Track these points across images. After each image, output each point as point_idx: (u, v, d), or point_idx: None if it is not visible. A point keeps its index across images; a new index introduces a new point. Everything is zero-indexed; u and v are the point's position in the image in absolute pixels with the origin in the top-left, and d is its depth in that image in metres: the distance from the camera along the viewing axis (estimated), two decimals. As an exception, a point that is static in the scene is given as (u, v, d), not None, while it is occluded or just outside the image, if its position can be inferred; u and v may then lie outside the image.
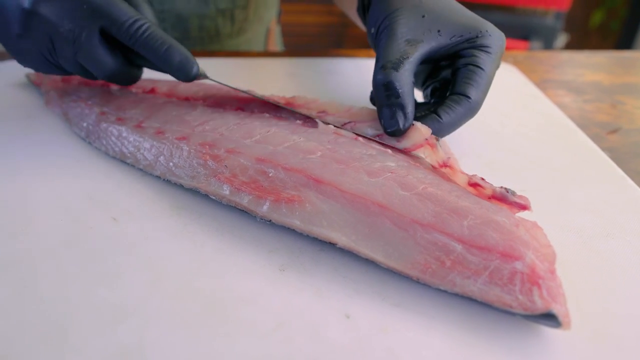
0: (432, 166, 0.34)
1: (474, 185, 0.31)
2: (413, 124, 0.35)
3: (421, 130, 0.34)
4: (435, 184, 0.30)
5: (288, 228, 0.31)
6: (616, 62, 0.69)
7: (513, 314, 0.25)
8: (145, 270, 0.29)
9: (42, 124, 0.45)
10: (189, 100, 0.43)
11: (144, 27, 0.38)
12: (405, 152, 0.35)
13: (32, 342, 0.25)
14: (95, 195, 0.35)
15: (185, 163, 0.34)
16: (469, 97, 0.35)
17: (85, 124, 0.41)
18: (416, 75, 0.39)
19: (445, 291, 0.27)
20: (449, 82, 0.38)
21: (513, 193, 0.30)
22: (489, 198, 0.31)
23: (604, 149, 0.44)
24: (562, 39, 1.92)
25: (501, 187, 0.30)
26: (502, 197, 0.30)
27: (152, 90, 0.46)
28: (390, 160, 0.32)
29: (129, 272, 0.29)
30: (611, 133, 0.49)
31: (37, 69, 0.41)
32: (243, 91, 0.41)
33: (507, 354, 0.24)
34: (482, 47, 0.37)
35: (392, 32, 0.36)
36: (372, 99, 0.39)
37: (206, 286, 0.28)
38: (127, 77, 0.41)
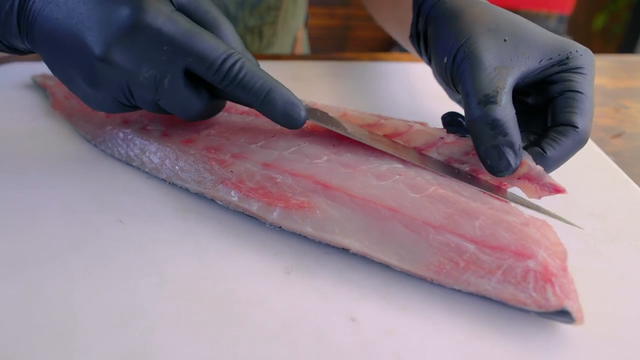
0: (443, 161, 0.33)
1: None
2: (414, 127, 0.35)
3: (428, 132, 0.34)
4: (445, 185, 0.30)
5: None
6: (620, 66, 0.69)
7: (527, 312, 0.26)
8: (151, 273, 0.29)
9: (47, 126, 0.45)
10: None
11: (237, 66, 0.32)
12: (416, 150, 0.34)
13: (39, 343, 0.25)
14: (101, 197, 0.35)
15: (192, 167, 0.34)
16: (576, 127, 0.32)
17: (90, 126, 0.42)
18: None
19: (449, 295, 0.28)
20: (538, 111, 0.35)
21: (548, 175, 0.31)
22: (520, 178, 0.31)
23: (608, 153, 0.44)
24: (564, 42, 1.92)
25: (539, 166, 0.31)
26: (538, 177, 0.30)
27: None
28: (397, 162, 0.32)
29: (135, 274, 0.29)
30: (615, 137, 0.49)
31: (110, 112, 0.36)
32: (341, 132, 0.35)
33: (513, 359, 0.25)
34: (576, 70, 0.33)
35: (477, 60, 0.32)
36: (448, 123, 0.37)
37: (212, 289, 0.28)
38: (213, 112, 0.36)
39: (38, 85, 0.51)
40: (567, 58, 0.34)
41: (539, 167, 0.30)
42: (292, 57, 0.69)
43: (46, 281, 0.28)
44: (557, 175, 0.39)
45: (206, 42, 0.31)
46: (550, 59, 0.33)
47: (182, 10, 0.33)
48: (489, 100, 0.31)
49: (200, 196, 0.35)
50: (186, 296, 0.28)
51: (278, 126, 0.37)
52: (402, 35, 0.50)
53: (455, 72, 0.34)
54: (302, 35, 0.84)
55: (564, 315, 0.25)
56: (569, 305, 0.24)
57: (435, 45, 0.36)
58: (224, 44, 0.32)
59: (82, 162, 0.40)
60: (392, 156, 0.33)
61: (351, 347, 0.25)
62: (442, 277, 0.27)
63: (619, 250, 0.32)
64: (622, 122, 0.52)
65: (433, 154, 0.34)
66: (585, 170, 0.40)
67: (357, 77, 0.59)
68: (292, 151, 0.33)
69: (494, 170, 0.31)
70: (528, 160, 0.31)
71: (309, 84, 0.57)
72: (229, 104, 0.39)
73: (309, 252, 0.31)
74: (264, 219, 0.31)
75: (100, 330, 0.26)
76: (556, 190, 0.30)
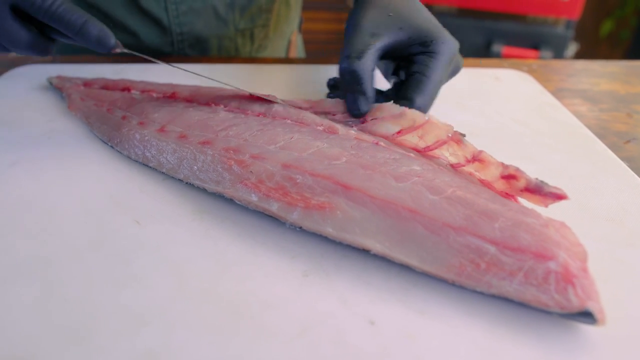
0: (452, 165, 0.34)
1: (507, 177, 0.32)
2: (430, 120, 0.36)
3: (440, 126, 0.35)
4: (463, 187, 0.30)
5: (310, 233, 0.32)
6: (631, 72, 0.69)
7: (550, 313, 0.26)
8: (170, 274, 0.29)
9: (64, 127, 0.45)
10: (210, 106, 0.43)
11: (57, 2, 0.38)
12: (426, 152, 0.35)
13: (59, 343, 0.25)
14: (118, 198, 0.36)
15: (210, 167, 0.34)
16: (414, 102, 0.39)
17: (107, 128, 0.42)
18: (385, 69, 0.46)
19: (467, 298, 0.28)
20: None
21: (546, 184, 0.30)
22: (521, 191, 0.31)
23: (622, 158, 0.43)
24: (572, 48, 1.92)
25: (536, 178, 0.31)
26: (537, 189, 0.30)
27: (173, 95, 0.46)
28: (415, 164, 0.32)
29: (154, 275, 0.29)
30: (628, 142, 0.49)
31: None
32: (224, 84, 0.44)
33: (534, 363, 0.25)
34: (432, 54, 0.41)
35: (358, 26, 0.41)
36: (332, 86, 0.46)
37: (230, 291, 0.28)
38: (42, 49, 0.42)
39: (54, 86, 0.52)
40: (431, 42, 0.41)
41: (536, 179, 0.31)
42: (287, 60, 0.68)
43: (65, 281, 0.29)
44: (572, 181, 0.39)
45: None
46: (417, 38, 0.41)
47: None
48: (355, 55, 0.38)
49: (216, 197, 0.35)
50: (205, 298, 0.28)
51: (295, 128, 0.37)
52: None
53: (345, 35, 0.42)
54: (296, 40, 0.84)
55: (586, 316, 0.25)
56: (591, 306, 0.24)
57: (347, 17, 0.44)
58: None
59: (98, 163, 0.40)
60: (409, 158, 0.33)
61: (371, 351, 0.25)
62: (463, 278, 0.27)
63: (637, 254, 0.32)
64: (635, 127, 0.52)
65: (444, 152, 0.35)
66: (600, 176, 0.40)
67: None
68: (311, 152, 0.33)
69: (350, 111, 0.40)
70: (525, 175, 0.31)
71: (306, 87, 0.57)
72: (250, 109, 0.42)
73: (325, 255, 0.31)
74: (284, 219, 0.31)
75: (119, 330, 0.26)
76: (558, 197, 0.30)
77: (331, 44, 2.40)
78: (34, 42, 0.40)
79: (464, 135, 0.35)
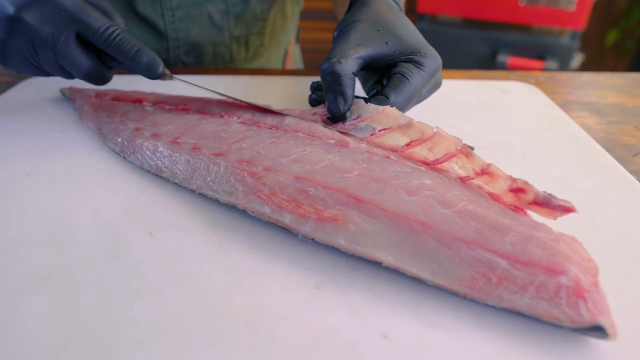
0: (461, 178, 0.34)
1: (515, 191, 0.32)
2: (439, 132, 0.37)
3: (449, 139, 0.35)
4: (474, 201, 0.30)
5: (321, 245, 0.32)
6: (637, 84, 0.69)
7: (561, 327, 0.26)
8: (183, 286, 0.29)
9: (76, 138, 0.46)
10: (222, 117, 0.44)
11: (115, 32, 0.43)
12: (435, 165, 0.35)
13: (75, 354, 0.25)
14: (131, 209, 0.36)
15: (223, 179, 0.35)
16: (388, 99, 0.41)
17: (119, 139, 0.42)
18: (365, 79, 0.48)
19: (479, 311, 0.28)
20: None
21: (555, 197, 0.31)
22: (530, 204, 0.31)
23: (630, 171, 0.44)
24: (577, 58, 1.92)
25: (544, 191, 0.31)
26: (546, 202, 0.31)
27: (185, 107, 0.47)
28: (426, 178, 0.32)
29: (168, 286, 0.29)
30: (637, 155, 0.49)
31: (19, 71, 0.45)
32: (223, 95, 0.46)
33: (546, 378, 0.25)
34: (415, 63, 0.42)
35: (346, 36, 0.43)
36: (314, 88, 0.48)
37: (244, 303, 0.28)
38: (101, 76, 0.45)
39: (66, 97, 0.52)
40: (415, 55, 0.43)
41: (544, 192, 0.31)
42: (284, 72, 0.69)
43: (80, 292, 0.29)
44: (580, 194, 0.39)
45: (94, 16, 0.43)
46: (402, 52, 0.43)
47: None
48: (336, 59, 0.40)
49: (228, 209, 0.36)
50: (218, 310, 0.28)
51: (307, 141, 0.37)
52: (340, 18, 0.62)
53: (333, 43, 0.44)
54: (293, 50, 0.85)
55: (597, 330, 0.25)
56: (603, 321, 0.25)
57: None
58: (107, 19, 0.43)
59: (111, 173, 0.40)
60: (420, 172, 0.33)
61: (384, 364, 0.25)
62: (475, 292, 0.27)
63: (647, 270, 0.32)
64: (643, 140, 0.52)
65: (453, 165, 0.35)
66: (609, 189, 0.40)
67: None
68: (323, 165, 0.34)
69: (329, 111, 0.41)
70: (533, 188, 0.32)
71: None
72: (262, 122, 0.43)
73: (337, 268, 0.31)
74: (297, 230, 0.31)
75: (134, 342, 0.26)
76: (566, 210, 0.30)
77: (325, 53, 2.40)
78: (93, 69, 0.44)
79: (472, 149, 0.35)
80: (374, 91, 0.44)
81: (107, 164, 0.42)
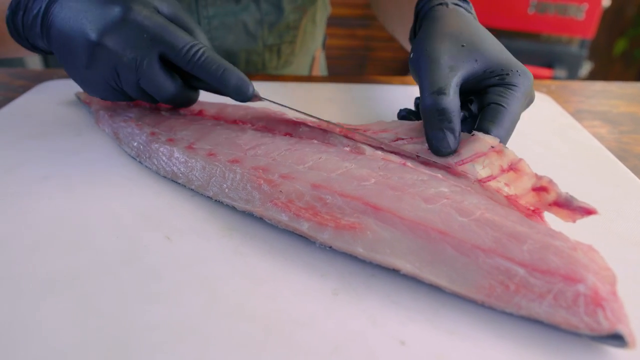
0: (481, 180, 0.34)
1: (538, 189, 0.32)
2: (475, 134, 0.36)
3: (485, 140, 0.35)
4: (491, 209, 0.30)
5: (338, 252, 0.32)
6: (650, 93, 0.69)
7: (579, 335, 0.26)
8: (201, 290, 0.30)
9: (92, 142, 0.46)
10: (237, 124, 0.44)
11: (200, 52, 0.40)
12: (456, 166, 0.35)
13: (94, 358, 0.25)
14: (148, 213, 0.36)
15: (239, 186, 0.35)
16: (491, 134, 0.37)
17: (135, 144, 0.43)
18: None
19: (497, 319, 0.28)
20: (477, 116, 0.39)
21: (575, 199, 0.31)
22: (550, 205, 0.31)
23: (645, 181, 0.44)
24: (586, 67, 1.92)
25: (566, 192, 0.31)
26: (567, 203, 0.31)
27: (200, 113, 0.47)
28: (443, 186, 0.33)
29: (186, 291, 0.30)
30: (650, 165, 0.49)
31: (104, 97, 0.43)
32: (301, 112, 0.42)
33: (566, 387, 0.25)
34: (509, 86, 0.38)
35: (435, 59, 0.39)
36: (403, 117, 0.44)
37: (262, 308, 0.28)
38: (186, 99, 0.44)
39: (81, 101, 0.53)
40: (507, 74, 0.39)
41: (566, 193, 0.31)
42: (311, 79, 0.70)
43: (99, 296, 0.29)
44: (595, 204, 0.39)
45: (177, 34, 0.40)
46: (493, 71, 0.39)
47: (165, 16, 0.42)
48: (441, 92, 0.36)
49: (245, 215, 0.36)
50: (237, 315, 0.28)
51: (323, 148, 0.38)
52: (402, 36, 0.58)
53: (415, 66, 0.40)
54: (319, 56, 0.86)
55: (616, 339, 0.25)
56: (621, 329, 0.25)
57: (413, 43, 0.43)
58: (191, 37, 0.41)
59: (128, 178, 0.41)
60: (437, 180, 0.33)
61: (403, 371, 0.25)
62: (493, 300, 0.27)
63: (664, 280, 0.32)
64: (656, 150, 0.52)
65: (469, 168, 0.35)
66: (623, 198, 0.40)
67: (379, 100, 0.60)
68: (340, 173, 0.34)
69: (436, 150, 0.36)
70: (556, 187, 0.32)
71: (325, 105, 0.58)
72: (277, 128, 0.42)
73: (354, 274, 0.31)
74: (315, 238, 0.32)
75: (153, 345, 0.26)
76: (587, 212, 0.31)
77: (343, 59, 2.42)
78: (179, 93, 0.42)
79: (504, 146, 0.35)
80: (462, 114, 0.40)
81: (123, 168, 0.42)
